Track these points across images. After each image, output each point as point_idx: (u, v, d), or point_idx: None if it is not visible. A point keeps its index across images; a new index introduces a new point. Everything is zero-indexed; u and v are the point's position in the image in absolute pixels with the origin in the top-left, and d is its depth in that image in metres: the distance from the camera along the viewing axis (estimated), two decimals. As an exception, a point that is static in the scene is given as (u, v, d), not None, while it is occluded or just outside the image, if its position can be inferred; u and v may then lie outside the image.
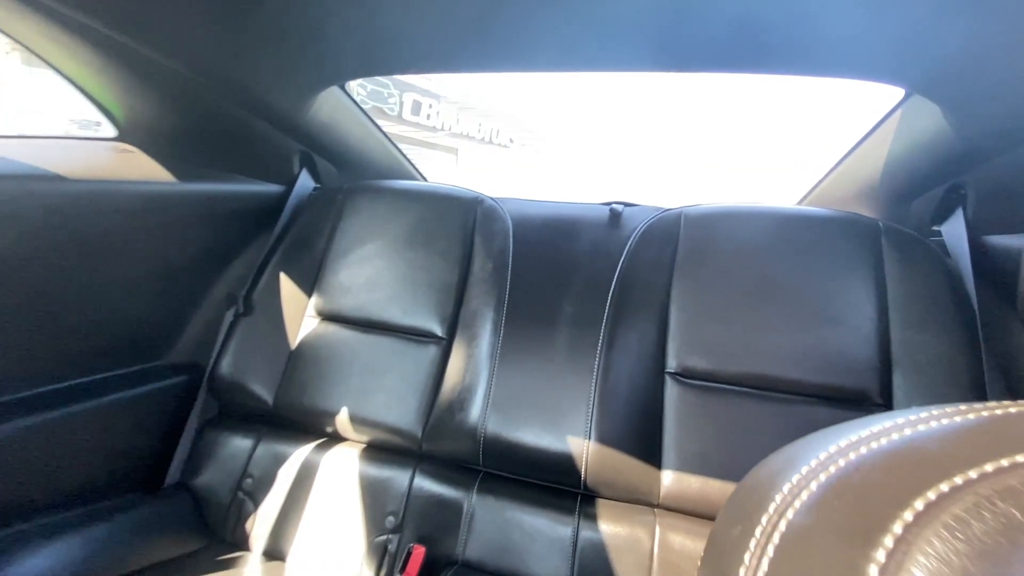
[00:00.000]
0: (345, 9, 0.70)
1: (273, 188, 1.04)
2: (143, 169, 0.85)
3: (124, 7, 0.65)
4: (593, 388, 0.76)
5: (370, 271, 0.95)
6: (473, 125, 12.40)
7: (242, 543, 0.82)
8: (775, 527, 0.17)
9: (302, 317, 0.95)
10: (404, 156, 1.27)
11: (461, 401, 0.81)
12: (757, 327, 0.76)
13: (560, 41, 0.74)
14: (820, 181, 1.04)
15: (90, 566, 0.71)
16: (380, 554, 0.77)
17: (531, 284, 0.88)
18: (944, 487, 0.16)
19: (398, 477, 0.81)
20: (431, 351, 0.87)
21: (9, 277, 0.70)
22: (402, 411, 0.84)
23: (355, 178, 1.20)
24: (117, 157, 0.84)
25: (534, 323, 0.84)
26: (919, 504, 0.15)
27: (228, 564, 0.77)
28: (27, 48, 0.76)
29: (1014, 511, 0.15)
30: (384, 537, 0.78)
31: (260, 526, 0.82)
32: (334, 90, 0.98)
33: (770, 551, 0.17)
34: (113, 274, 0.82)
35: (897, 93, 0.78)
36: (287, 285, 0.97)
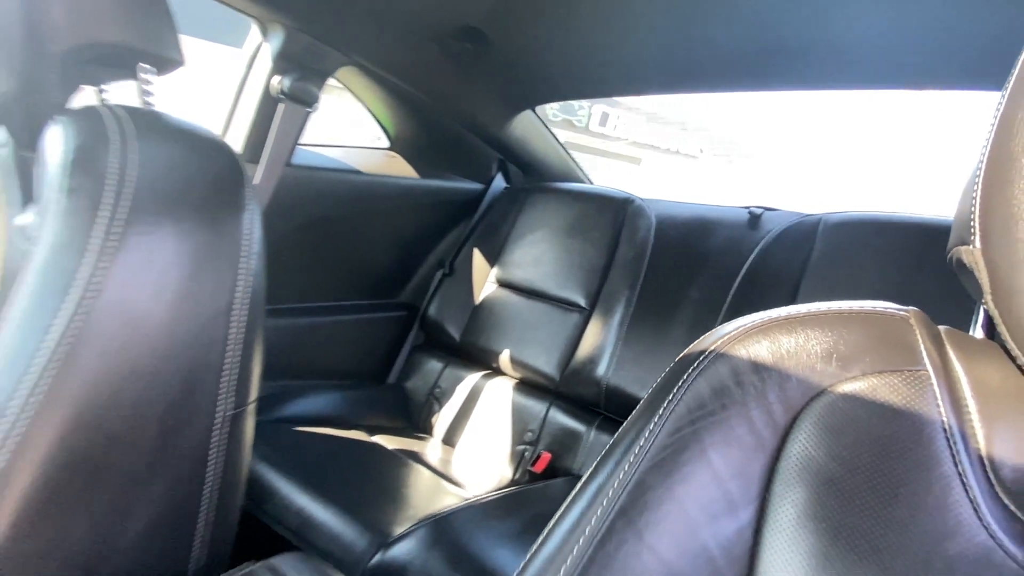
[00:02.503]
0: (537, 55, 0.98)
1: (476, 186, 1.39)
2: (400, 169, 1.26)
3: (404, 63, 1.03)
4: None
5: (537, 252, 1.22)
6: (660, 135, 12.22)
7: (428, 430, 1.16)
8: None
9: (485, 281, 1.27)
10: (575, 163, 1.52)
11: (592, 358, 1.02)
12: None
13: (736, 62, 0.88)
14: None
15: (337, 413, 1.10)
16: (519, 457, 1.03)
17: (664, 271, 1.03)
18: (768, 317, 0.32)
19: (538, 406, 1.06)
20: (574, 317, 1.10)
21: (329, 232, 1.14)
22: (547, 359, 1.08)
23: (536, 180, 1.49)
24: (387, 160, 1.27)
25: (661, 303, 1.00)
26: (756, 320, 0.32)
27: (419, 440, 1.12)
28: (350, 91, 1.22)
29: (801, 328, 0.31)
30: (523, 446, 1.03)
31: (441, 421, 1.15)
32: (528, 112, 1.28)
33: None
34: (375, 237, 1.25)
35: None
36: (478, 258, 1.30)
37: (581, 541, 0.27)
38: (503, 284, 1.24)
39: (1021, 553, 0.23)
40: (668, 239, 1.08)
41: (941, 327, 0.32)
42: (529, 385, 1.11)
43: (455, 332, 1.22)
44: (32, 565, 0.32)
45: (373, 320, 1.27)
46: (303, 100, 0.91)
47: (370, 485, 0.80)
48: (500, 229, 1.30)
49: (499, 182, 1.43)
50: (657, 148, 12.40)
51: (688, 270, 1.01)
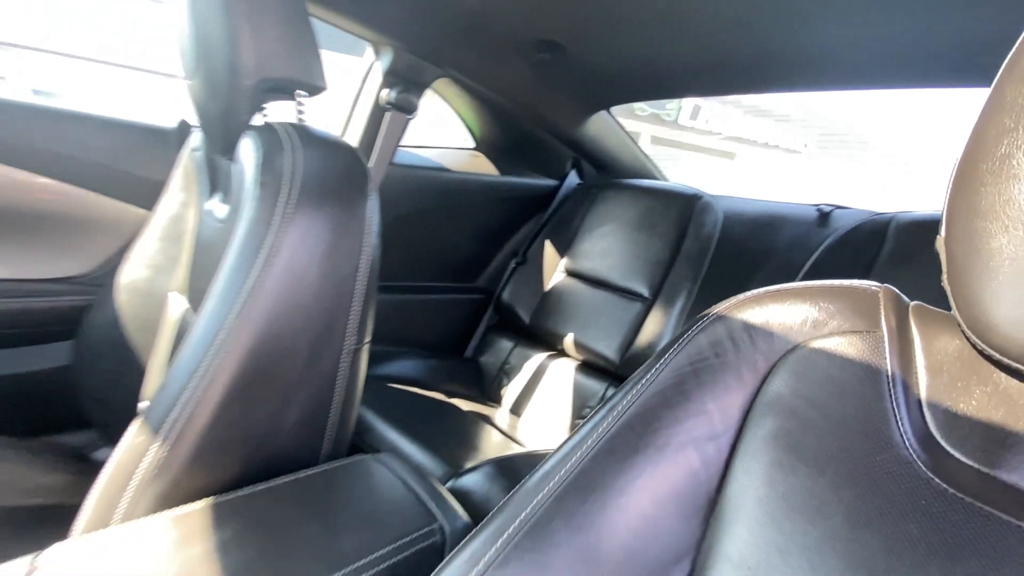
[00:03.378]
0: (610, 61, 1.06)
1: (550, 182, 1.50)
2: (483, 167, 1.40)
3: (489, 73, 1.16)
4: None
5: (605, 244, 1.30)
6: (758, 129, 11.47)
7: (497, 400, 1.30)
8: None
9: (554, 271, 1.38)
10: (649, 160, 1.57)
11: (651, 344, 1.09)
12: None
13: (794, 61, 0.91)
14: None
15: (422, 377, 1.26)
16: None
17: (727, 265, 1.07)
18: (764, 291, 0.40)
19: (597, 386, 1.15)
20: (636, 306, 1.17)
21: (421, 222, 1.31)
22: (608, 343, 1.16)
23: (609, 176, 1.56)
24: (472, 159, 1.42)
25: (721, 295, 1.03)
26: (755, 292, 0.40)
27: (489, 407, 1.26)
28: (442, 98, 1.38)
29: (788, 298, 0.39)
30: (582, 420, 1.13)
31: (509, 393, 1.28)
32: (602, 113, 1.36)
33: None
34: (459, 227, 1.40)
35: None
36: (549, 249, 1.41)
37: (593, 437, 0.37)
38: (571, 273, 1.34)
39: (931, 462, 0.29)
40: (733, 234, 1.11)
41: (913, 303, 0.38)
42: (590, 366, 1.20)
43: (525, 315, 1.35)
44: (229, 433, 0.48)
45: (454, 301, 1.43)
46: (405, 109, 1.08)
47: (447, 432, 0.94)
48: (571, 222, 1.40)
49: (573, 178, 1.53)
50: (754, 142, 11.66)
51: (751, 265, 1.04)
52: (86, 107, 0.92)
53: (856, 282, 0.39)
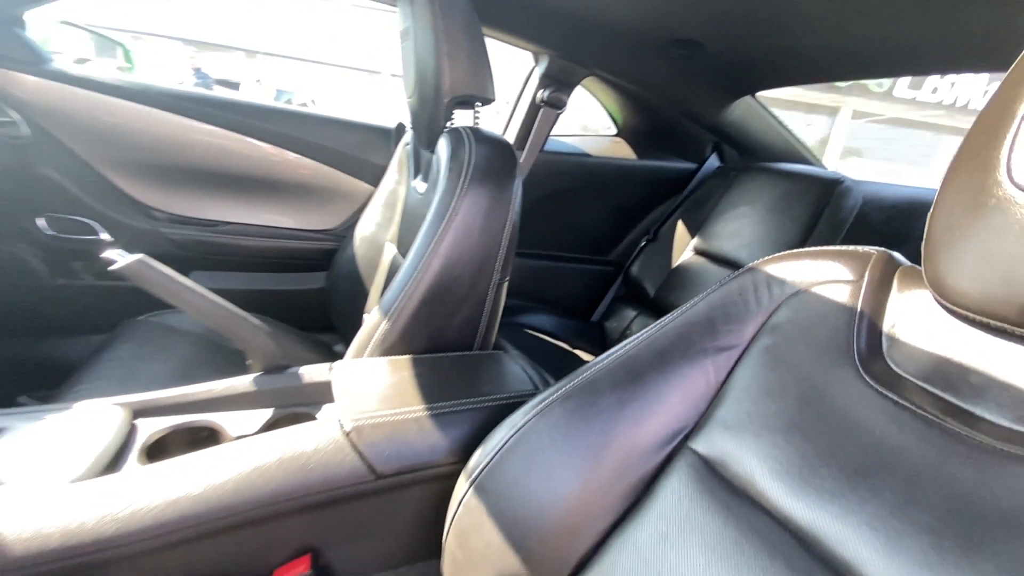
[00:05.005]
0: (749, 52, 1.12)
1: (689, 165, 1.59)
2: (623, 152, 1.56)
3: (631, 70, 1.31)
4: None
5: (737, 226, 1.36)
6: (1014, 97, 8.93)
7: (617, 360, 1.48)
8: None
9: (683, 250, 1.48)
10: (801, 144, 1.53)
11: (766, 320, 1.15)
12: None
13: (909, 45, 0.89)
14: None
15: (552, 330, 1.50)
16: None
17: None
18: (788, 252, 0.53)
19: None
20: (758, 285, 1.23)
21: (563, 201, 1.54)
22: (724, 318, 1.25)
23: (755, 160, 1.57)
24: (613, 145, 1.59)
25: None
26: (781, 253, 0.54)
27: (609, 365, 1.45)
28: (588, 91, 1.56)
29: (803, 258, 0.52)
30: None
31: (628, 354, 1.45)
32: (746, 98, 1.40)
33: None
34: (596, 207, 1.59)
35: None
36: (681, 228, 1.51)
37: (641, 338, 0.55)
38: (699, 252, 1.43)
39: (873, 370, 0.42)
40: (868, 219, 1.10)
41: (907, 264, 0.48)
42: None
43: (651, 289, 1.49)
44: (422, 321, 0.77)
45: (587, 270, 1.63)
46: (555, 105, 1.30)
47: (567, 367, 1.17)
48: (706, 203, 1.47)
49: (713, 162, 1.59)
50: (1009, 115, 9.09)
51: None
52: (335, 112, 1.35)
53: (857, 247, 0.50)
